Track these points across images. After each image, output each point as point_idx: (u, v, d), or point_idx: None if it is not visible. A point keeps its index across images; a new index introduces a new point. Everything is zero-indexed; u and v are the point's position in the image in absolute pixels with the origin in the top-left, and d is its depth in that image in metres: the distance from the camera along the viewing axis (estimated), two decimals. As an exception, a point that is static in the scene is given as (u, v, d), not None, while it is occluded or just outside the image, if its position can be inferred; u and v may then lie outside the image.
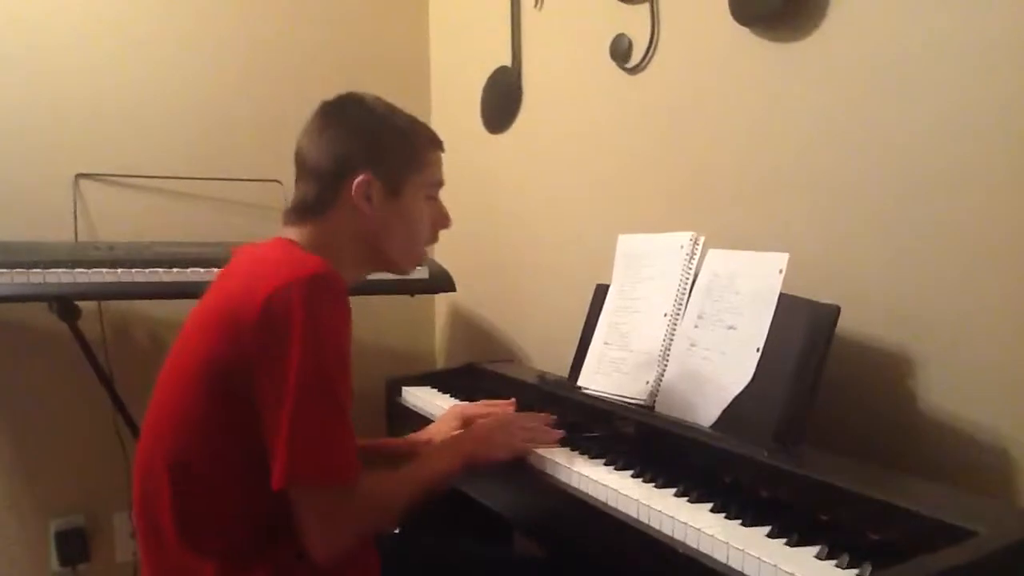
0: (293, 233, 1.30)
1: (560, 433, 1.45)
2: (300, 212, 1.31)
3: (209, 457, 1.17)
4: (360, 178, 1.27)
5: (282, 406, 1.10)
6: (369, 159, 1.29)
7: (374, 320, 2.72)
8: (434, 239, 1.41)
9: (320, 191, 1.29)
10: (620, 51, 1.95)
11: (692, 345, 1.47)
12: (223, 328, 1.16)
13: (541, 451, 1.39)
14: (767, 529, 1.05)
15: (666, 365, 1.51)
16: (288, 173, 1.39)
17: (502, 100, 2.43)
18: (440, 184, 1.39)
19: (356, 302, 2.37)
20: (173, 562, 1.18)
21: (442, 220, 1.41)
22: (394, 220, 1.32)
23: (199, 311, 1.25)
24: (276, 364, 1.10)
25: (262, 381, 1.12)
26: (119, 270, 1.92)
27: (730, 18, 1.64)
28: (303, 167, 1.32)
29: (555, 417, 1.51)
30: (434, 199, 1.38)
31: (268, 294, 1.11)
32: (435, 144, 1.38)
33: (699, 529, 1.04)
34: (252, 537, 1.18)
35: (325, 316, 1.13)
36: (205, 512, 1.17)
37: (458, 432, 1.49)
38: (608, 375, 1.63)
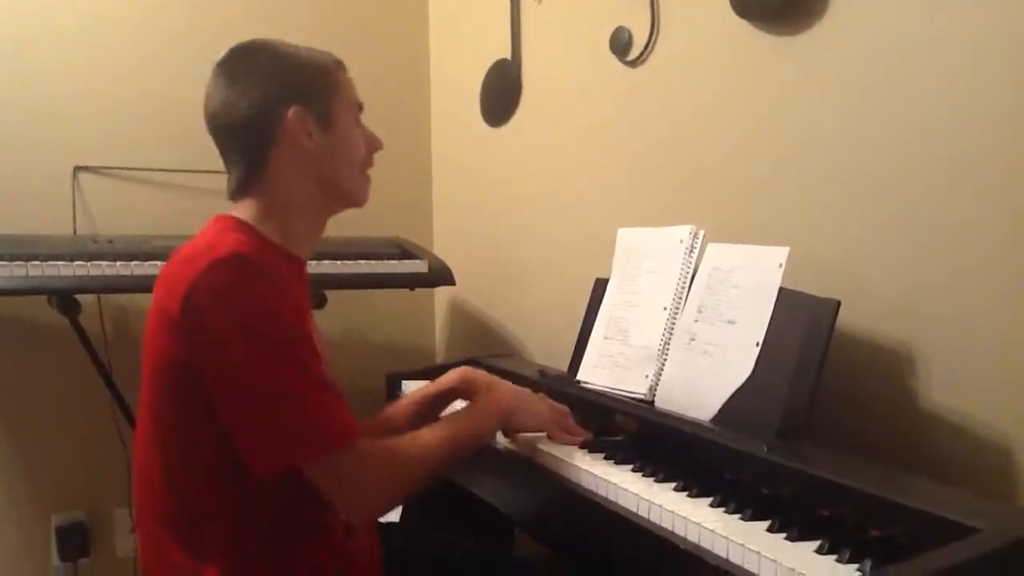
0: (238, 209, 1.27)
1: (588, 436, 1.43)
2: (240, 187, 1.27)
3: (189, 459, 1.16)
4: (292, 112, 1.22)
5: (228, 397, 1.09)
6: (293, 94, 1.24)
7: (373, 314, 2.72)
8: (370, 163, 1.36)
9: (251, 150, 1.25)
10: (620, 44, 1.95)
11: (692, 339, 1.46)
12: (160, 329, 1.14)
13: (541, 446, 1.39)
14: (767, 524, 1.04)
15: (666, 359, 1.51)
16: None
17: (502, 93, 2.42)
18: (360, 106, 1.34)
19: (355, 296, 2.36)
20: (172, 564, 1.18)
21: (373, 142, 1.35)
22: (336, 150, 1.28)
23: (150, 309, 1.22)
24: (208, 359, 1.09)
25: (206, 378, 1.10)
26: (118, 263, 1.92)
27: (730, 11, 1.63)
28: (223, 131, 1.26)
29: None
30: (359, 122, 1.33)
31: (184, 292, 1.09)
32: (340, 66, 1.32)
33: (699, 524, 1.04)
34: (248, 538, 1.17)
35: (240, 295, 1.10)
36: (198, 514, 1.16)
37: (489, 387, 1.43)
38: (608, 369, 1.62)
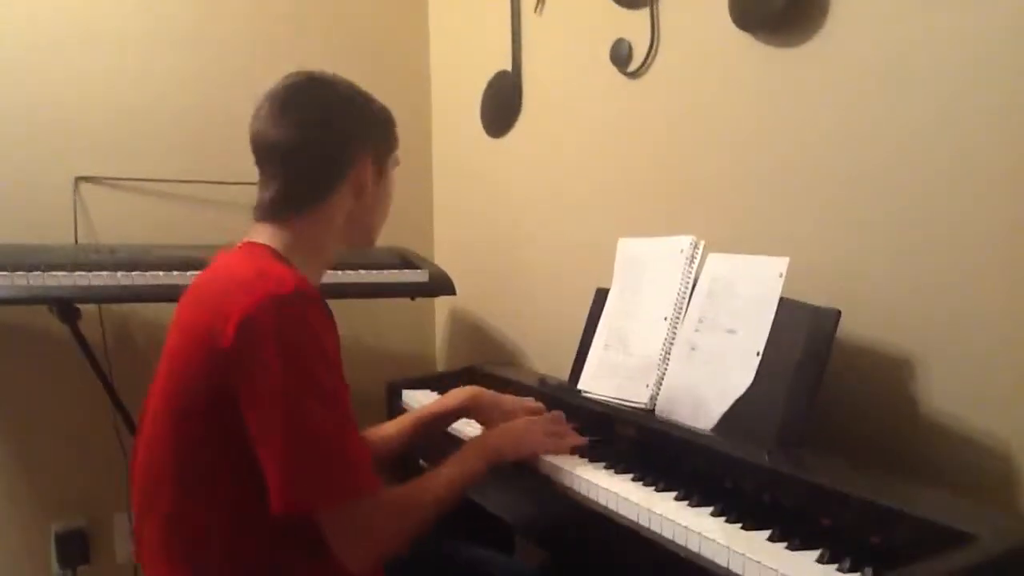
0: (266, 233, 1.25)
1: (585, 440, 1.44)
2: (278, 208, 1.25)
3: (205, 489, 1.15)
4: (365, 161, 1.27)
5: (274, 429, 1.08)
6: (371, 143, 1.28)
7: (374, 324, 2.72)
8: None
9: (308, 181, 1.25)
10: (620, 56, 1.96)
11: (692, 349, 1.47)
12: (198, 355, 1.13)
13: (544, 456, 1.39)
14: (768, 533, 1.05)
15: (666, 369, 1.52)
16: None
17: (502, 104, 2.43)
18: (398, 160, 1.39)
19: (356, 306, 2.36)
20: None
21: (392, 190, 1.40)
22: (380, 203, 1.33)
23: (176, 330, 1.22)
24: (260, 389, 1.08)
25: (248, 408, 1.09)
26: (119, 273, 1.92)
27: (730, 23, 1.64)
28: (284, 154, 1.24)
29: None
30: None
31: (240, 319, 1.08)
32: (392, 119, 1.36)
33: (700, 533, 1.04)
34: (250, 552, 1.16)
35: (302, 333, 1.10)
36: (201, 527, 1.16)
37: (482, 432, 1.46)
38: (608, 379, 1.63)
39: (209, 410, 1.12)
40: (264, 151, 1.26)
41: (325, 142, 1.25)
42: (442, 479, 1.26)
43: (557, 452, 1.39)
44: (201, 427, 1.14)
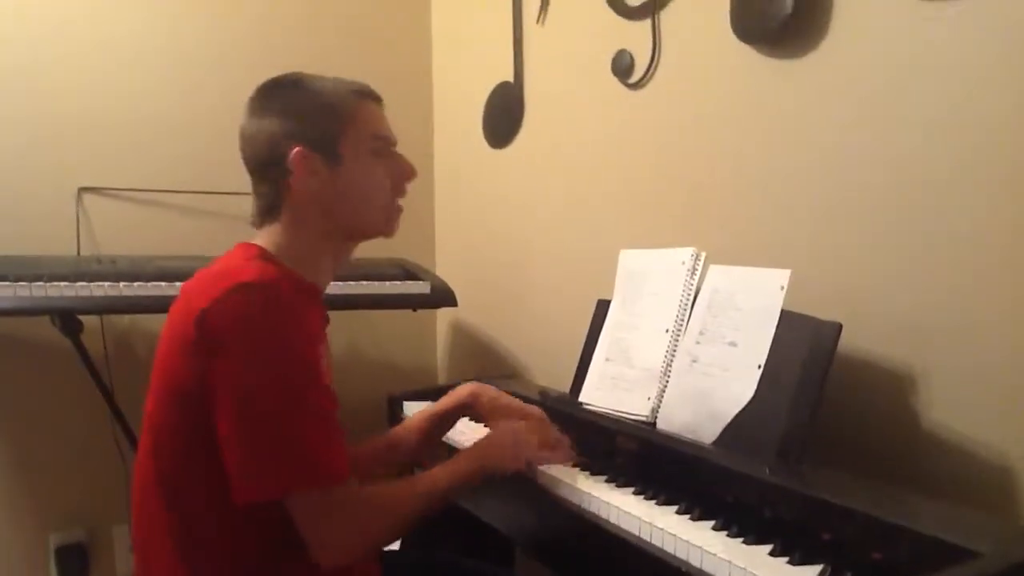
0: (260, 237, 1.28)
1: (575, 455, 1.44)
2: (261, 215, 1.29)
3: (193, 481, 1.15)
4: (294, 153, 1.23)
5: (231, 421, 1.09)
6: (296, 133, 1.24)
7: (375, 335, 2.72)
8: (402, 192, 1.35)
9: (269, 186, 1.27)
10: (622, 67, 1.96)
11: (693, 361, 1.47)
12: (175, 348, 1.15)
13: (543, 468, 1.39)
14: (769, 547, 1.05)
15: (667, 381, 1.51)
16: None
17: (504, 115, 2.44)
18: (385, 137, 1.32)
19: (357, 317, 2.36)
20: None
21: (403, 172, 1.34)
22: (346, 187, 1.26)
23: (160, 338, 1.22)
24: (221, 379, 1.09)
25: (214, 398, 1.10)
26: (121, 284, 1.92)
27: (732, 35, 1.64)
28: (247, 162, 1.29)
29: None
30: (387, 154, 1.32)
31: (201, 310, 1.10)
32: (362, 95, 1.30)
33: (702, 547, 1.04)
34: (248, 560, 1.17)
35: (257, 323, 1.10)
36: (200, 536, 1.16)
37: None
38: (609, 391, 1.62)
39: (187, 409, 1.13)
40: (243, 156, 1.30)
41: (257, 139, 1.26)
42: (427, 482, 1.25)
43: (551, 463, 1.39)
44: (184, 425, 1.14)
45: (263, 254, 1.24)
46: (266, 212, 1.28)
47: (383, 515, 1.18)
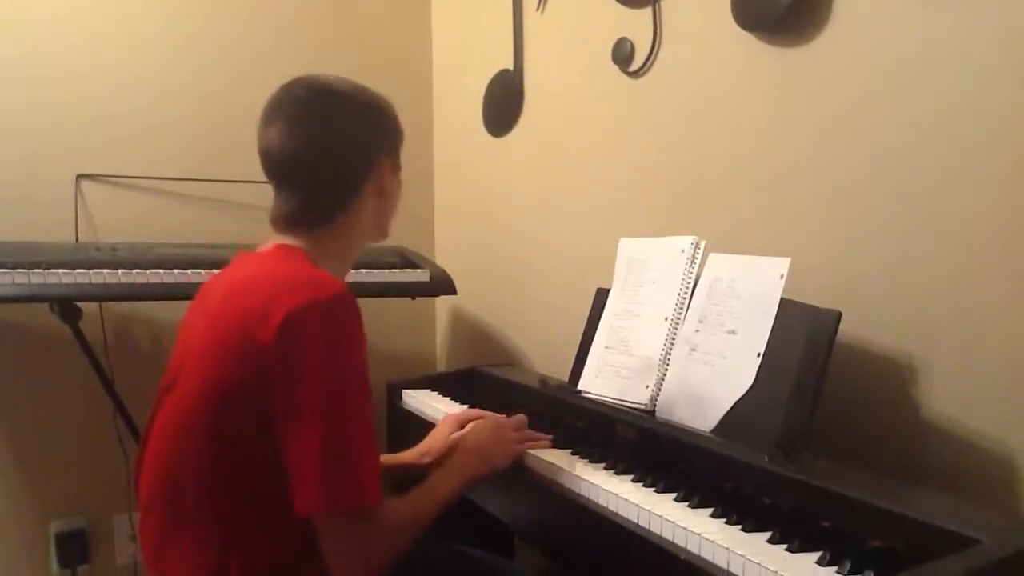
0: (295, 239, 1.26)
1: (549, 436, 1.47)
2: (305, 220, 1.26)
3: (236, 483, 1.14)
4: (385, 164, 1.29)
5: (309, 431, 1.08)
6: (385, 145, 1.30)
7: (375, 323, 2.68)
8: None
9: (331, 193, 1.26)
10: (622, 55, 1.95)
11: (693, 350, 1.46)
12: (234, 348, 1.12)
13: (542, 456, 1.39)
14: (768, 535, 1.05)
15: (667, 369, 1.51)
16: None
17: (504, 103, 2.43)
18: None
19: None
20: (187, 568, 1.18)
21: None
22: (397, 194, 1.35)
23: (203, 325, 1.21)
24: (297, 387, 1.08)
25: (281, 404, 1.09)
26: (120, 271, 1.92)
27: (733, 23, 1.64)
28: (300, 171, 1.25)
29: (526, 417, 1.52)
30: None
31: (286, 315, 1.08)
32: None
33: (700, 534, 1.04)
34: (269, 558, 1.16)
35: (345, 338, 1.11)
36: (230, 535, 1.16)
37: (458, 448, 1.46)
38: (608, 379, 1.62)
39: (242, 403, 1.12)
40: (281, 165, 1.26)
41: (345, 152, 1.27)
42: (432, 498, 1.27)
43: (532, 449, 1.42)
44: (233, 419, 1.13)
45: (312, 259, 1.23)
46: (320, 217, 1.27)
47: (399, 535, 1.19)
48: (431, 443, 1.58)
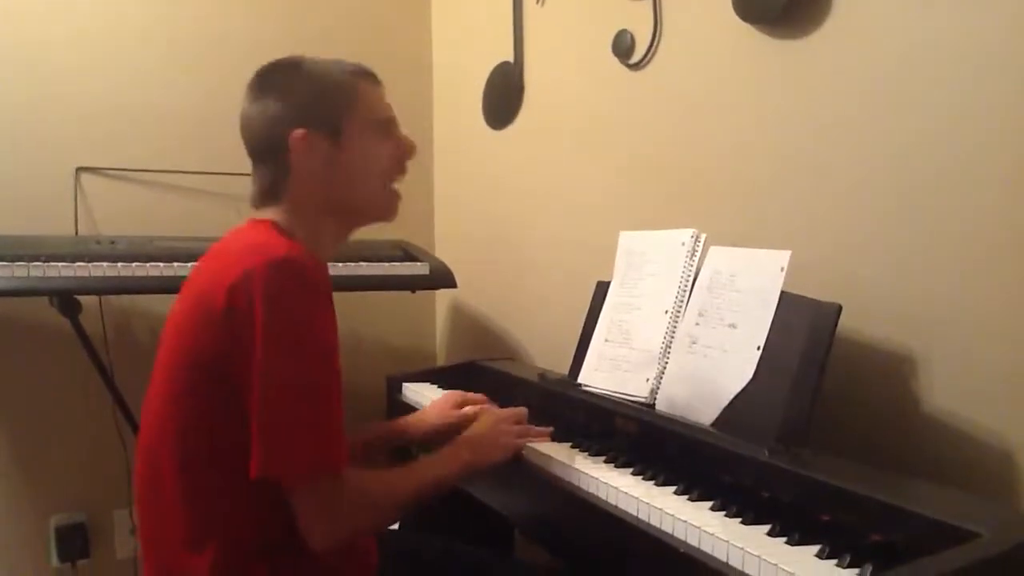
0: (265, 215, 1.29)
1: (549, 429, 1.47)
2: (263, 197, 1.30)
3: (207, 453, 1.16)
4: (296, 134, 1.24)
5: (254, 395, 1.09)
6: (297, 115, 1.26)
7: (375, 316, 2.72)
8: (402, 171, 1.37)
9: (271, 168, 1.28)
10: (622, 47, 1.95)
11: (693, 343, 1.46)
12: (196, 320, 1.16)
13: (541, 449, 1.39)
14: (767, 528, 1.04)
15: (667, 363, 1.51)
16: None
17: (504, 96, 2.43)
18: (387, 118, 1.34)
19: (356, 298, 2.36)
20: (172, 557, 1.18)
21: (403, 150, 1.36)
22: (348, 167, 1.29)
23: (178, 302, 1.25)
24: (246, 354, 1.10)
25: (239, 371, 1.11)
26: (120, 264, 1.92)
27: (733, 14, 1.63)
28: (247, 144, 1.31)
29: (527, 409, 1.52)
30: (387, 134, 1.34)
31: (230, 283, 1.11)
32: (362, 76, 1.32)
33: (699, 527, 1.04)
34: (253, 534, 1.17)
35: (290, 301, 1.11)
36: (208, 509, 1.17)
37: (456, 437, 1.47)
38: (609, 372, 1.62)
39: (206, 375, 1.14)
40: (243, 138, 1.32)
41: (258, 122, 1.28)
42: (416, 478, 1.27)
43: (525, 444, 1.42)
44: (202, 392, 1.15)
45: (280, 229, 1.25)
46: (267, 193, 1.29)
47: (372, 506, 1.21)
48: (427, 412, 1.61)
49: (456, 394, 1.65)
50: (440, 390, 1.95)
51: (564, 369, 1.79)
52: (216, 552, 1.15)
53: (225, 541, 1.16)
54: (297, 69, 1.29)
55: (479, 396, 1.65)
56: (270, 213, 1.29)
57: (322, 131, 1.26)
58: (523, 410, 1.51)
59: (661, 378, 1.51)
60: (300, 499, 1.13)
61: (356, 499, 1.17)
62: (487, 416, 1.49)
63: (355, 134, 1.29)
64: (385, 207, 1.35)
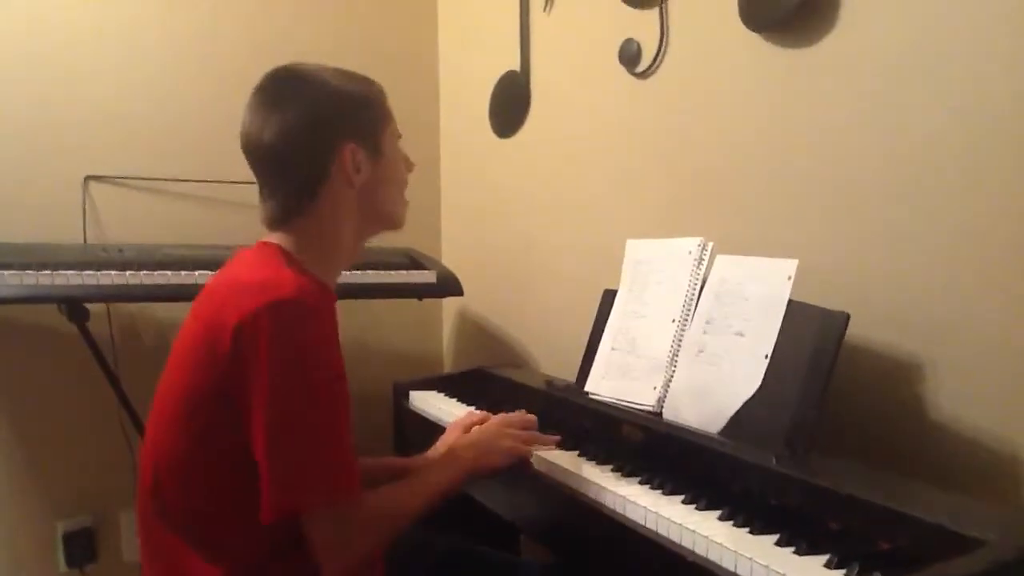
0: (278, 235, 1.26)
1: (557, 437, 1.46)
2: (284, 213, 1.25)
3: (213, 480, 1.16)
4: (347, 150, 1.23)
5: (263, 436, 1.09)
6: (349, 129, 1.24)
7: (381, 324, 2.72)
8: (406, 184, 1.38)
9: (299, 181, 1.24)
10: (629, 56, 1.95)
11: (700, 351, 1.46)
12: (201, 356, 1.14)
13: (548, 457, 1.39)
14: (775, 537, 1.04)
15: (674, 371, 1.51)
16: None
17: (511, 104, 2.43)
18: (398, 131, 1.36)
19: (363, 306, 2.36)
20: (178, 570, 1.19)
21: (408, 164, 1.38)
22: (382, 180, 1.29)
23: (188, 323, 1.23)
24: (254, 393, 1.09)
25: (246, 411, 1.10)
26: (128, 272, 1.92)
27: (740, 23, 1.63)
28: (267, 159, 1.24)
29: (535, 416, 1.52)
30: (399, 146, 1.36)
31: (237, 322, 1.09)
32: (384, 95, 1.33)
33: (707, 537, 1.04)
34: (261, 552, 1.17)
35: (297, 339, 1.10)
36: (214, 532, 1.17)
37: (457, 440, 1.47)
38: (616, 380, 1.62)
39: (211, 406, 1.14)
40: (250, 155, 1.27)
41: (299, 139, 1.23)
42: (425, 490, 1.28)
43: (530, 451, 1.41)
44: (204, 419, 1.15)
45: (288, 258, 1.22)
46: (288, 212, 1.25)
47: (387, 525, 1.21)
48: (442, 443, 1.58)
49: (460, 422, 1.61)
50: (447, 398, 1.95)
51: (571, 377, 1.79)
52: (229, 560, 1.16)
53: (226, 563, 1.17)
54: (323, 81, 1.25)
55: (483, 415, 1.61)
56: (281, 235, 1.26)
57: (366, 146, 1.26)
58: (532, 417, 1.51)
59: (668, 386, 1.51)
60: (317, 527, 1.13)
61: (371, 520, 1.18)
62: (491, 421, 1.48)
63: (387, 148, 1.30)
64: (401, 215, 1.36)
